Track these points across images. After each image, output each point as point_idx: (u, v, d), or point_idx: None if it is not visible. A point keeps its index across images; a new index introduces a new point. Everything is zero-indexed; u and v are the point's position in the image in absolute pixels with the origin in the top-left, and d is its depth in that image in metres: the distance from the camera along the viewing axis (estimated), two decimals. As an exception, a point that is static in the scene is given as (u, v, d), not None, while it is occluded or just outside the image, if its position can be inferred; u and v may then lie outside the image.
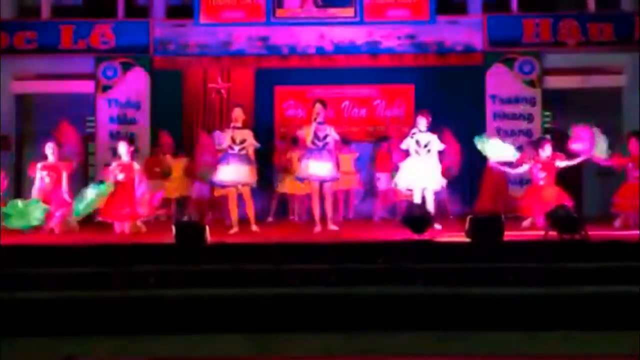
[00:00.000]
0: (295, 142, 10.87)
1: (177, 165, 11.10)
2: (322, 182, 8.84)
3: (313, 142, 8.70)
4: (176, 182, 10.99)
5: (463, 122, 11.29)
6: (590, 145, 9.10)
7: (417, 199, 8.94)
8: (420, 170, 9.02)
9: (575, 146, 9.19)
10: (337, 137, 9.06)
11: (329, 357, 4.53)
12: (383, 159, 11.13)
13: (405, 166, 9.17)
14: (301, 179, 9.19)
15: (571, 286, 5.65)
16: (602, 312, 5.07)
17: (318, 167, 8.70)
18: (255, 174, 8.92)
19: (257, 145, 9.01)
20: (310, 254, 6.61)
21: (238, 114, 8.89)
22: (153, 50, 12.09)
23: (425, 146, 9.05)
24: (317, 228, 8.80)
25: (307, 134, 8.75)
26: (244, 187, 8.88)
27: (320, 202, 8.89)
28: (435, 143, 9.11)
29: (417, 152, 9.08)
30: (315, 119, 8.75)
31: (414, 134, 9.14)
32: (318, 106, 8.88)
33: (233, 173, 8.74)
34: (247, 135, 8.85)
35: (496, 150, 9.42)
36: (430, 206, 8.89)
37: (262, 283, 5.85)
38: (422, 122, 9.10)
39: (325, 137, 8.74)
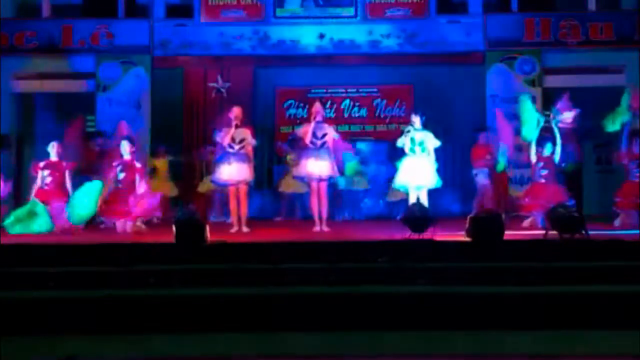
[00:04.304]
0: (291, 144, 10.95)
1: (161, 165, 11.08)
2: (319, 181, 8.89)
3: (311, 142, 8.80)
4: (159, 182, 10.89)
5: (463, 122, 11.29)
6: None
7: (412, 199, 8.89)
8: (415, 170, 8.95)
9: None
10: (337, 135, 9.13)
11: (329, 357, 4.53)
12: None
13: (401, 165, 9.11)
14: (301, 178, 9.29)
15: (571, 286, 5.65)
16: (602, 312, 5.06)
17: (316, 166, 8.79)
18: (253, 172, 9.03)
19: (255, 143, 9.11)
20: (310, 253, 6.61)
21: (238, 112, 8.91)
22: (153, 50, 12.10)
23: (420, 144, 8.97)
24: (317, 227, 8.86)
25: (305, 132, 8.87)
26: (241, 185, 8.90)
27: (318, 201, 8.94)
28: (431, 141, 9.03)
29: (412, 150, 9.01)
30: (314, 118, 8.89)
31: (408, 132, 9.07)
32: (317, 105, 9.13)
33: (233, 171, 8.80)
34: (245, 133, 8.91)
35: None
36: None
37: (262, 283, 5.85)
38: (417, 120, 9.07)
39: (324, 135, 8.84)
